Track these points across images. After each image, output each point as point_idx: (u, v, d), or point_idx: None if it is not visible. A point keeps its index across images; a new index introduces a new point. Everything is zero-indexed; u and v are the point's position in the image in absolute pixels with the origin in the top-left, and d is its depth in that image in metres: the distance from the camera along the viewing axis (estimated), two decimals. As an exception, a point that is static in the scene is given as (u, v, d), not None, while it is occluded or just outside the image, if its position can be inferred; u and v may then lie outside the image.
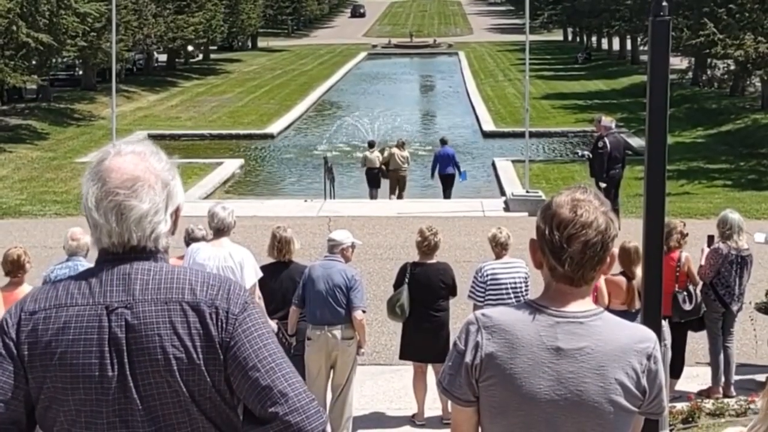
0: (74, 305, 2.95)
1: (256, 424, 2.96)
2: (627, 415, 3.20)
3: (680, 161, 26.86)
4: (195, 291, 2.97)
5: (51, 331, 2.93)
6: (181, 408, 2.93)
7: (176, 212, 3.08)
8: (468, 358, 3.21)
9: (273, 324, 9.40)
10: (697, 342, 11.87)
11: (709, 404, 9.80)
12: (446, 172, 25.31)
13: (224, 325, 2.95)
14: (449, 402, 3.37)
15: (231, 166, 29.39)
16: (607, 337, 3.17)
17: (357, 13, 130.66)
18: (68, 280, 3.03)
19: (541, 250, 3.23)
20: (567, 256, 3.15)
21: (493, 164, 29.37)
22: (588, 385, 3.13)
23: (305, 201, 23.60)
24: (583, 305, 3.21)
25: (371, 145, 26.07)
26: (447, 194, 25.44)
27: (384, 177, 25.25)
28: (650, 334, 3.28)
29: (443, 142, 26.68)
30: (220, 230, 8.93)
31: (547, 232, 3.18)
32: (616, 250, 3.25)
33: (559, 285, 3.21)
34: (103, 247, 3.02)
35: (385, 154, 25.47)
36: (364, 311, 9.44)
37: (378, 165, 25.16)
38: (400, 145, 26.02)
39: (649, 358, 3.19)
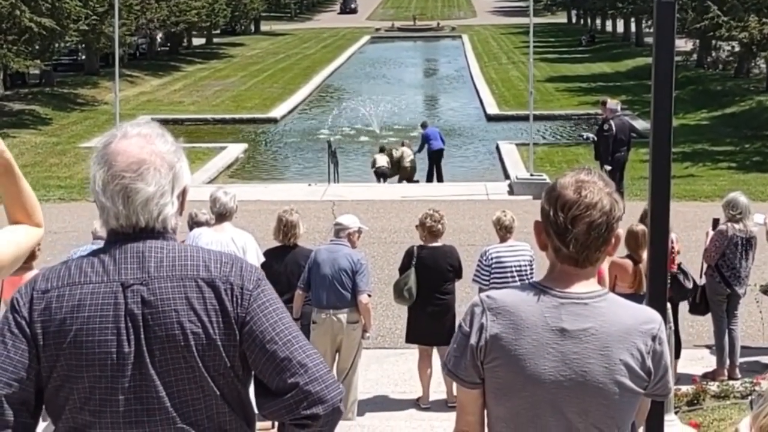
0: (88, 283, 2.96)
1: (272, 396, 2.99)
2: (632, 396, 3.20)
3: (685, 143, 26.80)
4: (209, 268, 3.01)
5: (65, 309, 2.94)
6: (196, 384, 2.95)
7: (183, 194, 3.10)
8: (473, 340, 3.22)
9: (277, 302, 9.38)
10: (702, 324, 11.87)
11: (714, 387, 9.81)
12: (436, 147, 25.64)
13: (239, 301, 2.98)
14: (454, 384, 3.38)
15: (234, 150, 29.37)
16: (611, 318, 3.18)
17: (347, 8, 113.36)
18: (79, 259, 3.04)
19: (545, 232, 3.23)
20: (572, 237, 3.15)
21: (497, 147, 29.33)
22: (592, 366, 3.14)
23: (309, 185, 23.59)
24: (587, 286, 3.22)
25: (382, 149, 26.27)
26: (438, 172, 25.60)
27: (391, 177, 25.54)
28: (655, 315, 3.28)
29: (424, 125, 27.09)
30: (222, 215, 8.92)
31: (551, 213, 3.19)
32: (621, 231, 3.24)
33: (564, 266, 3.22)
34: (112, 228, 3.04)
35: (397, 154, 25.75)
36: (369, 295, 9.45)
37: (386, 166, 25.43)
38: (408, 145, 26.45)
39: (654, 339, 3.20)
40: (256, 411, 3.12)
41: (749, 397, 3.17)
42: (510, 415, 3.23)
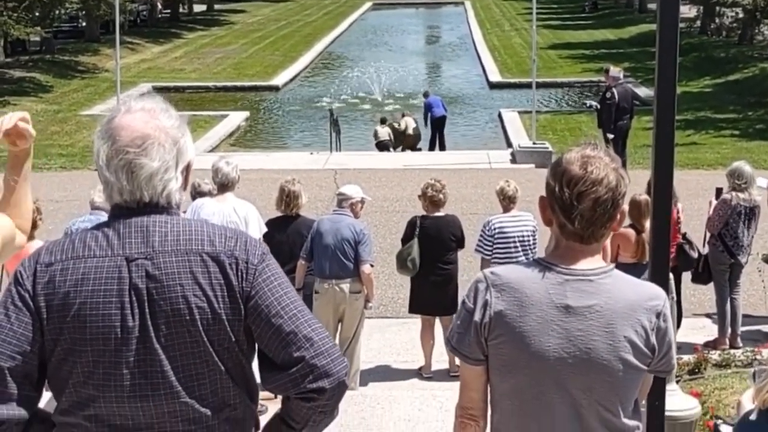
0: (92, 257, 2.96)
1: (278, 370, 2.99)
2: (636, 372, 3.19)
3: (688, 111, 26.69)
4: (214, 242, 3.00)
5: (69, 283, 2.93)
6: (201, 359, 2.95)
7: (187, 169, 3.10)
8: (477, 317, 3.20)
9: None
10: (704, 293, 11.89)
11: (715, 355, 9.82)
12: (438, 114, 25.59)
13: (245, 275, 2.98)
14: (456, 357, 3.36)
15: (236, 118, 29.28)
16: (616, 294, 3.16)
17: None
18: (83, 233, 3.03)
19: (550, 208, 3.21)
20: (577, 213, 3.13)
21: (500, 115, 29.22)
22: (597, 343, 3.13)
23: (311, 154, 23.55)
24: (592, 263, 3.20)
25: (383, 121, 26.19)
26: (441, 139, 25.54)
27: (394, 149, 25.50)
28: (660, 291, 3.27)
29: (426, 95, 27.12)
30: (224, 185, 8.89)
31: (557, 189, 3.16)
32: (626, 206, 3.22)
33: (569, 242, 3.20)
34: (116, 203, 3.03)
35: (401, 126, 25.70)
36: (372, 265, 9.45)
37: (388, 139, 25.39)
38: (409, 115, 26.45)
39: (658, 315, 3.19)
40: (258, 382, 3.12)
41: (752, 369, 3.18)
42: (514, 392, 3.23)
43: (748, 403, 3.27)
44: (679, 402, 7.08)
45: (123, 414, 2.94)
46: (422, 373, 10.18)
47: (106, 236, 2.99)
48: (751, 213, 10.74)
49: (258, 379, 3.12)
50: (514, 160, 22.06)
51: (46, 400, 3.09)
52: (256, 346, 3.06)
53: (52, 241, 3.08)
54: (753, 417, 3.07)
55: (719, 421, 6.46)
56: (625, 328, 3.14)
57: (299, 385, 2.96)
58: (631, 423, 3.24)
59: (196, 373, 2.96)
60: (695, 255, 10.58)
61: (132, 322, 2.91)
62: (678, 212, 10.47)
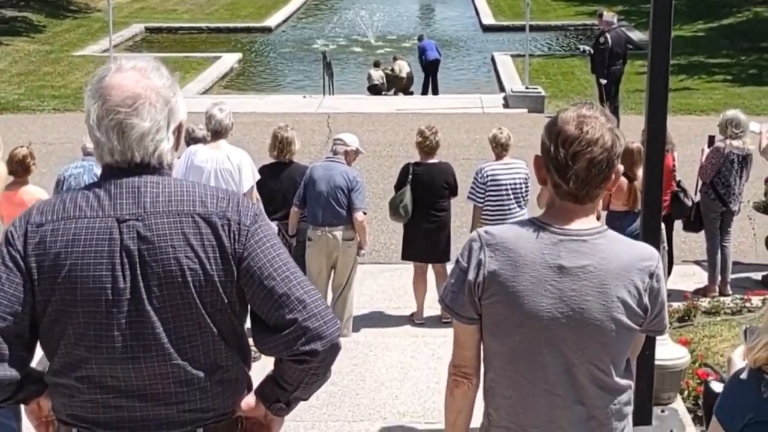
0: (83, 217, 2.94)
1: (270, 332, 2.99)
2: (628, 332, 3.21)
3: (681, 55, 26.56)
4: (206, 203, 2.99)
5: (60, 243, 2.92)
6: (193, 321, 2.95)
7: (179, 129, 3.08)
8: (471, 276, 3.21)
9: (273, 225, 9.43)
10: (694, 240, 11.94)
11: (705, 303, 9.87)
12: (432, 58, 25.44)
13: (237, 236, 2.97)
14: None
15: (229, 60, 29.06)
16: (609, 255, 3.17)
17: None
18: (74, 193, 3.02)
19: (545, 167, 3.20)
20: (572, 173, 3.13)
21: (492, 59, 29.09)
22: (590, 303, 3.14)
23: (304, 97, 23.44)
24: (586, 223, 3.20)
25: (377, 64, 26.05)
26: (434, 83, 25.45)
27: (386, 92, 25.40)
28: (653, 252, 3.27)
29: (420, 38, 26.92)
30: (217, 132, 8.85)
31: (552, 149, 3.15)
32: (621, 167, 3.24)
33: (564, 202, 3.20)
34: (107, 163, 3.01)
35: (396, 67, 25.59)
36: (365, 213, 9.47)
37: (381, 82, 25.29)
38: (401, 58, 26.38)
39: (651, 276, 3.20)
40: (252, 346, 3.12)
41: (744, 325, 3.20)
42: (507, 351, 3.24)
43: (739, 360, 3.29)
44: (668, 351, 7.16)
45: (115, 376, 2.94)
46: (414, 320, 10.23)
47: (97, 197, 2.97)
48: (743, 161, 10.76)
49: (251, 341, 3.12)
50: (506, 105, 22.00)
51: (38, 358, 3.11)
52: (249, 307, 3.05)
53: (44, 201, 3.07)
54: (743, 376, 3.09)
55: (710, 378, 6.53)
56: (618, 288, 3.15)
57: (291, 347, 2.95)
58: (623, 382, 3.26)
59: (188, 335, 2.95)
60: (689, 203, 10.63)
61: (123, 283, 2.90)
62: (673, 160, 10.49)
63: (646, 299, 3.19)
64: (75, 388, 2.98)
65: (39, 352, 3.09)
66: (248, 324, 3.11)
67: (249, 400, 3.12)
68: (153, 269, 2.91)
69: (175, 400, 2.98)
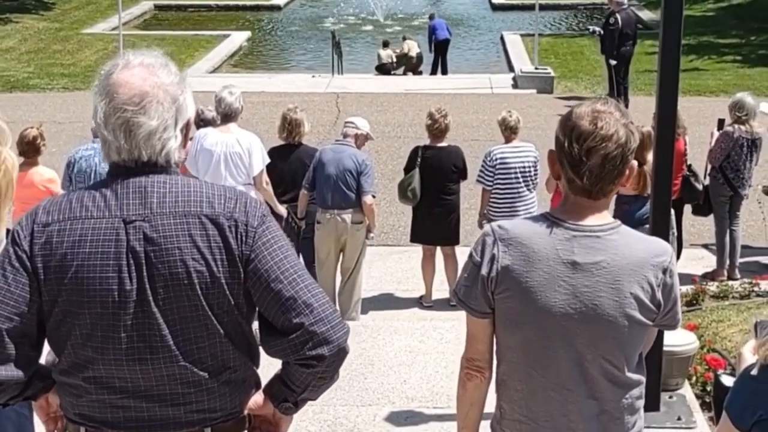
0: (89, 218, 2.92)
1: (277, 335, 2.97)
2: (641, 328, 3.21)
3: (690, 35, 26.42)
4: (213, 204, 2.95)
5: (66, 244, 2.90)
6: (199, 323, 2.93)
7: (186, 127, 3.04)
8: (484, 271, 3.21)
9: (282, 209, 9.44)
10: (703, 224, 11.92)
11: (713, 287, 9.85)
12: (442, 37, 25.27)
13: (244, 238, 2.94)
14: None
15: (238, 38, 29.00)
16: (623, 251, 3.16)
17: None
18: (80, 193, 2.99)
19: (559, 162, 3.20)
20: (586, 169, 3.12)
21: (502, 38, 29.00)
22: (603, 299, 3.14)
23: (313, 77, 23.39)
24: (600, 219, 3.20)
25: (385, 44, 25.98)
26: (443, 63, 25.36)
27: (395, 72, 25.33)
28: (666, 247, 3.27)
29: (431, 17, 26.73)
30: (227, 115, 8.84)
31: (566, 144, 3.14)
32: (635, 162, 3.23)
33: (577, 198, 3.19)
34: (114, 161, 2.99)
35: (405, 47, 25.51)
36: (374, 196, 9.47)
37: (390, 62, 25.19)
38: (410, 38, 26.24)
39: (664, 271, 3.20)
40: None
41: (754, 320, 3.20)
42: (520, 345, 3.25)
43: (749, 355, 3.28)
44: (677, 338, 7.15)
45: (122, 377, 2.94)
46: (423, 302, 10.24)
47: (103, 196, 2.94)
48: (753, 145, 10.73)
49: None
50: (515, 86, 21.93)
51: (47, 349, 3.11)
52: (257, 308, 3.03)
53: (50, 200, 3.04)
54: (754, 372, 3.09)
55: (720, 372, 6.53)
56: (632, 284, 3.15)
57: (298, 351, 2.94)
58: (635, 376, 3.27)
59: (195, 336, 2.94)
60: (701, 187, 10.59)
61: (130, 285, 2.89)
62: (684, 144, 10.46)
63: (659, 295, 3.19)
64: (82, 388, 2.97)
65: (47, 345, 3.08)
66: (256, 323, 3.10)
67: (257, 399, 3.12)
68: (159, 271, 2.89)
69: (183, 401, 2.98)
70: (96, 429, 3.00)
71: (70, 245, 2.91)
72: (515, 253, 3.19)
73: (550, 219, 3.22)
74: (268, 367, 3.19)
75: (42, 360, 3.08)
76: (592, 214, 3.20)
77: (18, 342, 2.92)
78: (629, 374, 3.24)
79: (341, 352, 2.98)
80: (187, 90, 3.04)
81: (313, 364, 2.96)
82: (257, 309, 3.03)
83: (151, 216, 2.91)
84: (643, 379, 3.32)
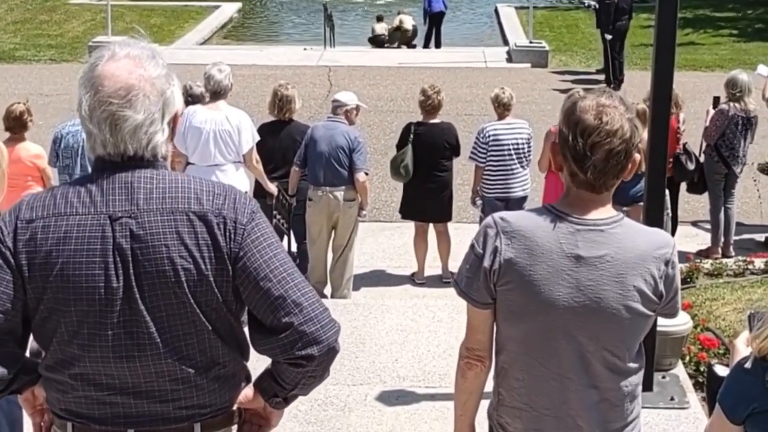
0: (75, 214, 2.86)
1: (266, 333, 2.93)
2: (643, 319, 3.22)
3: (687, 9, 26.33)
4: (201, 200, 2.89)
5: (51, 241, 2.84)
6: (187, 320, 2.88)
7: (174, 120, 2.97)
8: (486, 263, 3.19)
9: (272, 187, 9.36)
10: (698, 201, 11.88)
11: (707, 264, 9.83)
12: (437, 9, 25.07)
13: (233, 235, 2.88)
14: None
15: (228, 10, 28.81)
16: (626, 244, 3.16)
17: None
18: (65, 188, 2.93)
19: (562, 155, 3.18)
20: (590, 164, 3.11)
21: (496, 10, 28.86)
22: (606, 293, 3.14)
23: (305, 49, 23.26)
24: (603, 212, 3.19)
25: (379, 18, 25.84)
26: (437, 36, 25.21)
27: (389, 45, 25.20)
28: (669, 239, 3.29)
29: None
30: (216, 93, 8.73)
31: (570, 138, 3.12)
32: (638, 156, 3.18)
33: (580, 191, 3.18)
34: (99, 155, 2.92)
35: (397, 21, 25.39)
36: (366, 173, 9.38)
37: (385, 35, 25.09)
38: (405, 12, 26.17)
39: (667, 263, 3.20)
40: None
41: (747, 311, 3.15)
42: (521, 337, 3.25)
43: (743, 347, 3.26)
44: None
45: (109, 374, 2.89)
46: (415, 279, 10.20)
47: (89, 192, 2.87)
48: (748, 123, 10.67)
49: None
50: (510, 59, 21.84)
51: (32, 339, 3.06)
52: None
53: (34, 195, 2.97)
54: (748, 365, 3.07)
55: (714, 361, 6.50)
56: (635, 277, 3.15)
57: (288, 351, 2.90)
58: (634, 365, 3.28)
59: (183, 333, 2.89)
60: (691, 167, 10.51)
61: (116, 282, 2.83)
62: (678, 122, 10.37)
63: (661, 286, 3.19)
64: (68, 384, 2.93)
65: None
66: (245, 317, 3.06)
67: (247, 393, 3.09)
68: (146, 269, 2.84)
69: (171, 398, 2.94)
70: (83, 425, 2.96)
71: (55, 242, 2.85)
72: (518, 245, 3.17)
73: (554, 212, 3.20)
74: (258, 360, 3.13)
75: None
76: (596, 208, 3.19)
77: (3, 339, 2.88)
78: (630, 363, 3.26)
79: (331, 352, 2.94)
80: (175, 82, 2.96)
81: (303, 364, 2.92)
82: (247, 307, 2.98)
83: (137, 213, 2.85)
84: (642, 365, 3.33)
